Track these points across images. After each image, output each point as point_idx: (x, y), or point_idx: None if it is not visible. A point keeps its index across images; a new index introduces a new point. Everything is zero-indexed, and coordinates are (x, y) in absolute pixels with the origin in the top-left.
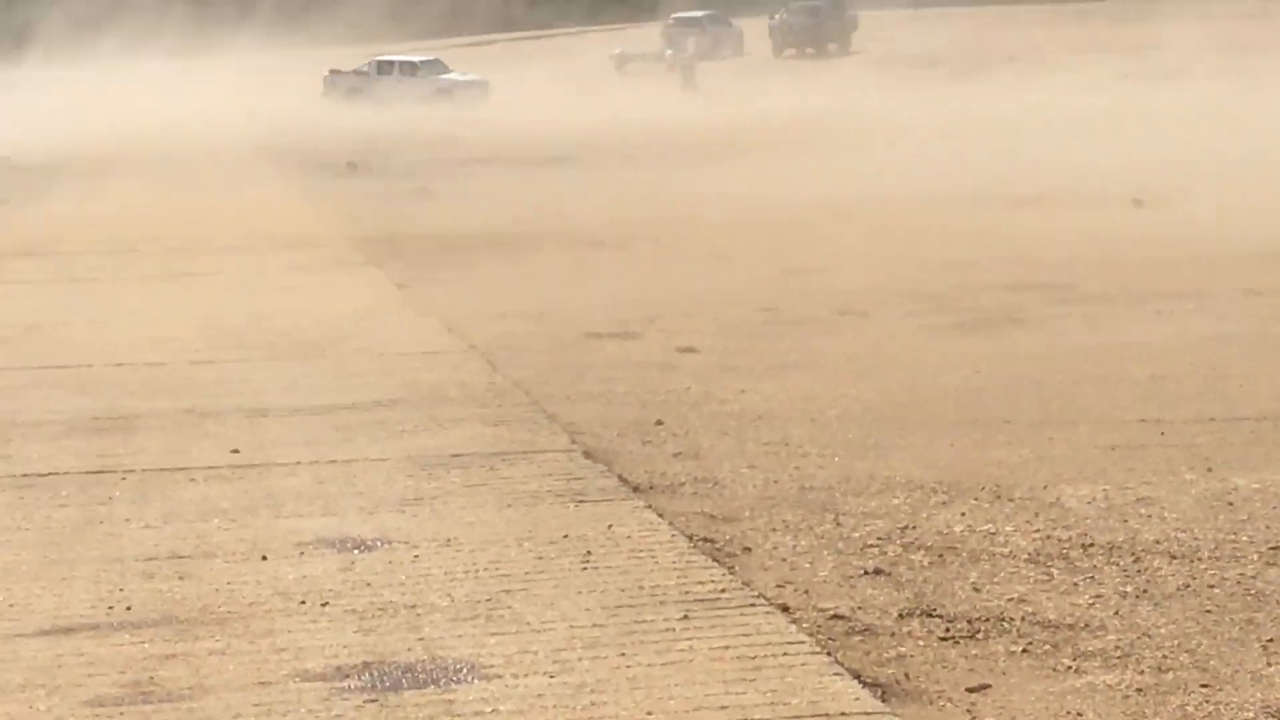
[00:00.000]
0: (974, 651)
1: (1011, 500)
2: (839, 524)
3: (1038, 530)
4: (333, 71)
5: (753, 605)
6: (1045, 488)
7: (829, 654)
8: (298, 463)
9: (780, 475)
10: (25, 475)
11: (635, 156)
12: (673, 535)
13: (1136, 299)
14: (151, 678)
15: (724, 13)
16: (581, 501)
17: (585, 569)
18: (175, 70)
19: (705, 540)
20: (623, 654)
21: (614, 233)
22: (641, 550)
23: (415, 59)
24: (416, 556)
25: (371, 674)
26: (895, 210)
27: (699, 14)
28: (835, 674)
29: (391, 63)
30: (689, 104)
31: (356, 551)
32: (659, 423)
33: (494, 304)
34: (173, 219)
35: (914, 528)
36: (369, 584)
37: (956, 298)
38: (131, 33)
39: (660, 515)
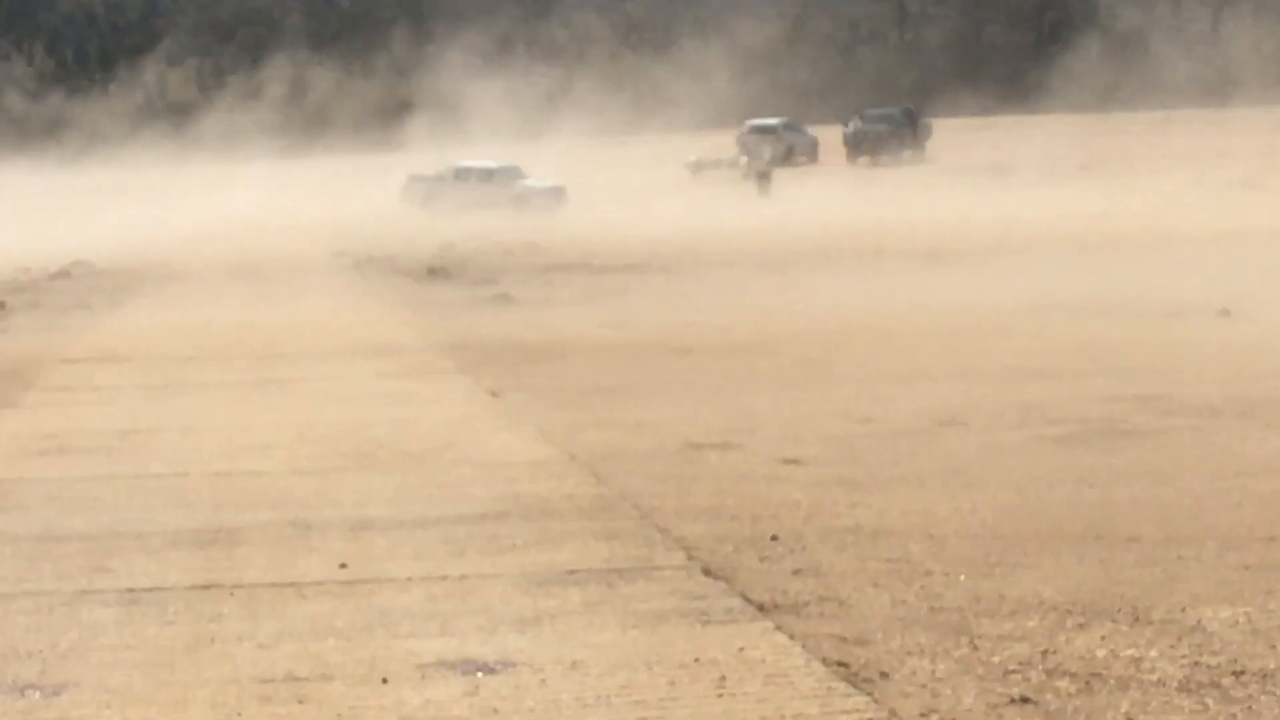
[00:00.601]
0: None
1: (1151, 623)
2: (975, 647)
3: (1184, 656)
4: (411, 176)
5: None
6: (1184, 610)
7: None
8: (409, 578)
9: (907, 595)
10: (130, 590)
11: (713, 264)
12: (807, 659)
13: (1242, 411)
14: None
15: (798, 120)
16: (707, 622)
17: (721, 695)
18: (259, 173)
19: (840, 664)
20: None
21: (701, 341)
22: (777, 675)
23: (492, 165)
24: (543, 680)
25: None
26: (985, 320)
27: (774, 121)
28: None
29: (469, 169)
30: (765, 211)
31: (480, 674)
32: (774, 538)
33: (589, 413)
34: (256, 326)
35: (1054, 652)
36: (496, 710)
37: (1059, 408)
38: (218, 133)
39: (791, 637)
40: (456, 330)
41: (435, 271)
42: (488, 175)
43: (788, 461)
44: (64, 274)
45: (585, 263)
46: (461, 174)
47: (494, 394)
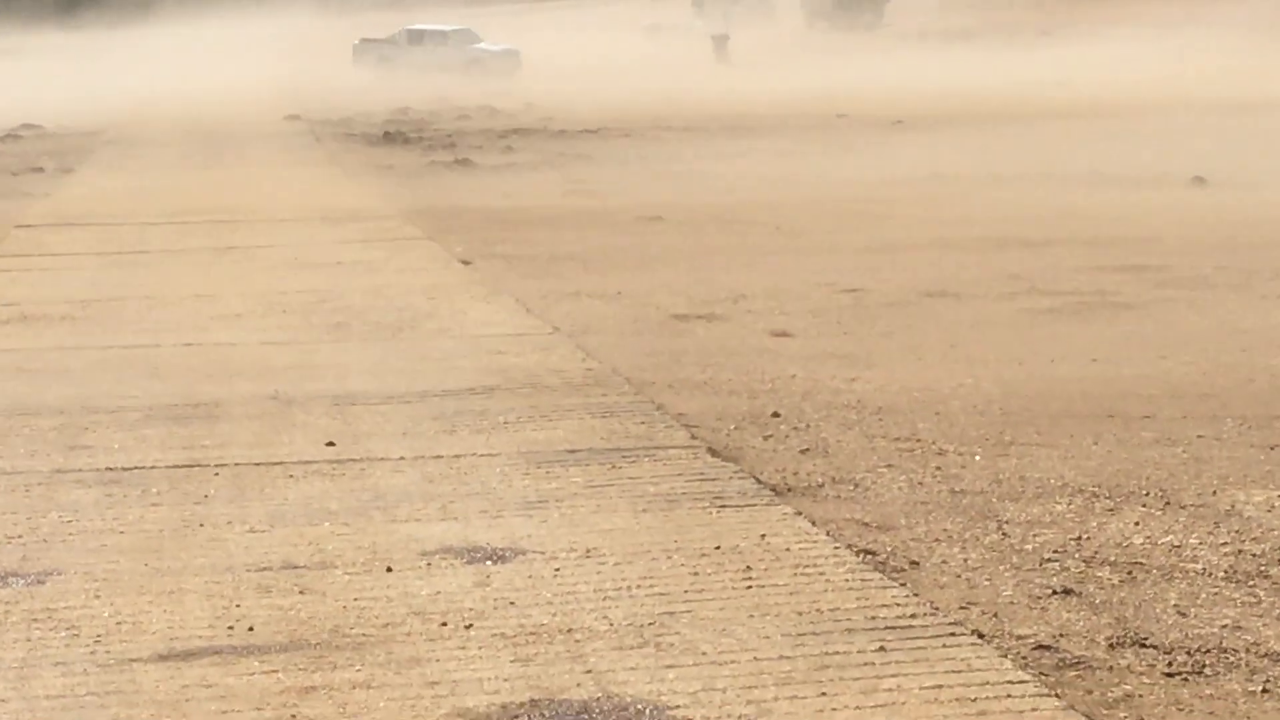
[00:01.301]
0: (1208, 691)
1: (1183, 507)
2: (1005, 534)
3: (1225, 544)
4: (363, 39)
5: (952, 634)
6: (1214, 493)
7: (1057, 695)
8: (401, 458)
9: (923, 476)
10: (110, 469)
11: (674, 130)
12: (834, 547)
13: (1236, 283)
14: (294, 716)
15: None
16: (723, 506)
17: (750, 588)
18: (202, 35)
19: (866, 552)
20: (823, 693)
21: (669, 209)
22: (806, 566)
23: (446, 28)
24: (558, 570)
25: (544, 715)
26: (955, 188)
27: None
28: None
29: (422, 31)
30: (723, 77)
31: (489, 563)
32: (775, 415)
33: (565, 283)
34: (213, 189)
35: (1088, 539)
36: (512, 603)
37: (1046, 279)
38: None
39: (813, 523)
40: (419, 196)
41: (391, 136)
42: (441, 38)
43: (777, 334)
44: (12, 136)
45: (543, 127)
46: (414, 37)
47: (465, 262)
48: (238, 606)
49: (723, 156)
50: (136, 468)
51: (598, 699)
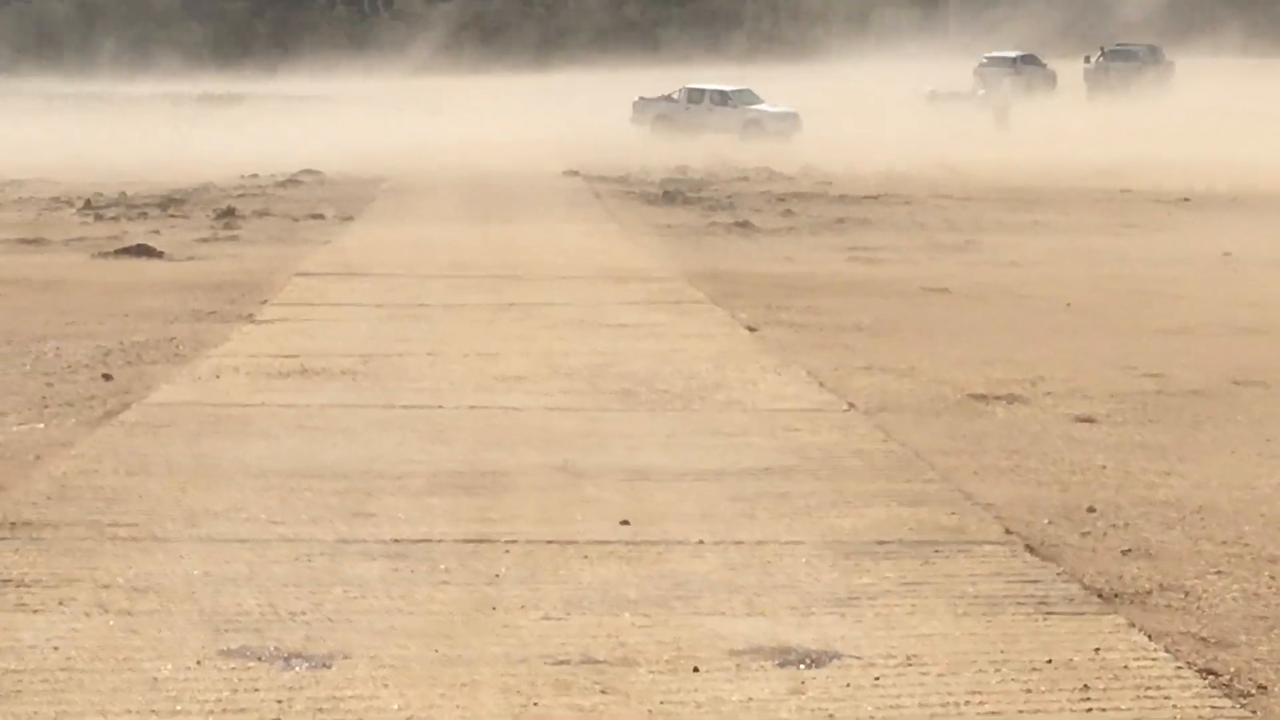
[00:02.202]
0: None
1: None
2: None
3: None
4: (642, 98)
5: None
6: None
7: None
8: (700, 541)
9: (1257, 586)
10: (396, 541)
11: (954, 198)
12: (1177, 667)
13: None
14: None
15: (1036, 54)
16: (1050, 613)
17: (1090, 710)
18: (491, 89)
19: (1208, 672)
20: None
21: (955, 281)
22: (1149, 687)
23: (726, 88)
24: (877, 680)
25: None
26: (1256, 272)
27: (1013, 54)
28: None
29: (702, 91)
30: (1003, 146)
31: (803, 667)
32: (1091, 510)
33: (854, 355)
34: (492, 244)
35: None
36: (831, 714)
37: None
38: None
39: (1149, 637)
40: (700, 258)
41: (670, 195)
42: (721, 98)
43: (1081, 420)
44: (293, 181)
45: (823, 192)
46: (694, 96)
47: (751, 329)
48: (535, 705)
49: (1005, 228)
50: (424, 540)
51: None
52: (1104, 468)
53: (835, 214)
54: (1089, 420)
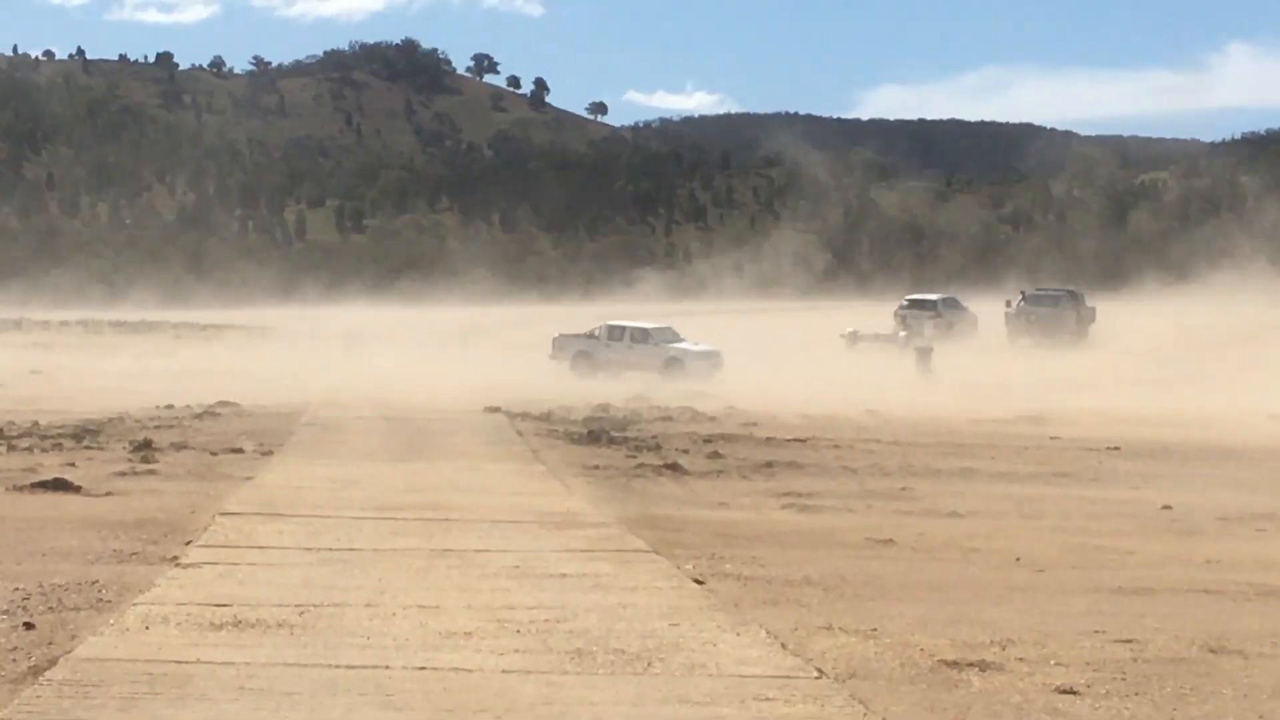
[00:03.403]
0: None
1: None
2: None
3: None
4: (561, 334)
5: None
6: None
7: None
8: None
9: None
10: None
11: (883, 442)
12: None
13: None
14: None
15: (957, 297)
16: None
17: None
18: (399, 318)
19: None
20: None
21: (898, 532)
22: None
23: (647, 325)
24: None
25: None
26: (1196, 529)
27: (934, 297)
28: None
29: (623, 328)
30: (927, 391)
31: None
32: None
33: (810, 613)
34: (418, 483)
35: None
36: None
37: None
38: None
39: None
40: (633, 502)
41: (595, 434)
42: (642, 335)
43: (1062, 691)
44: (210, 413)
45: (748, 433)
46: (614, 333)
47: (698, 581)
48: None
49: (936, 475)
50: None
51: None
52: None
53: (763, 457)
54: (1071, 692)
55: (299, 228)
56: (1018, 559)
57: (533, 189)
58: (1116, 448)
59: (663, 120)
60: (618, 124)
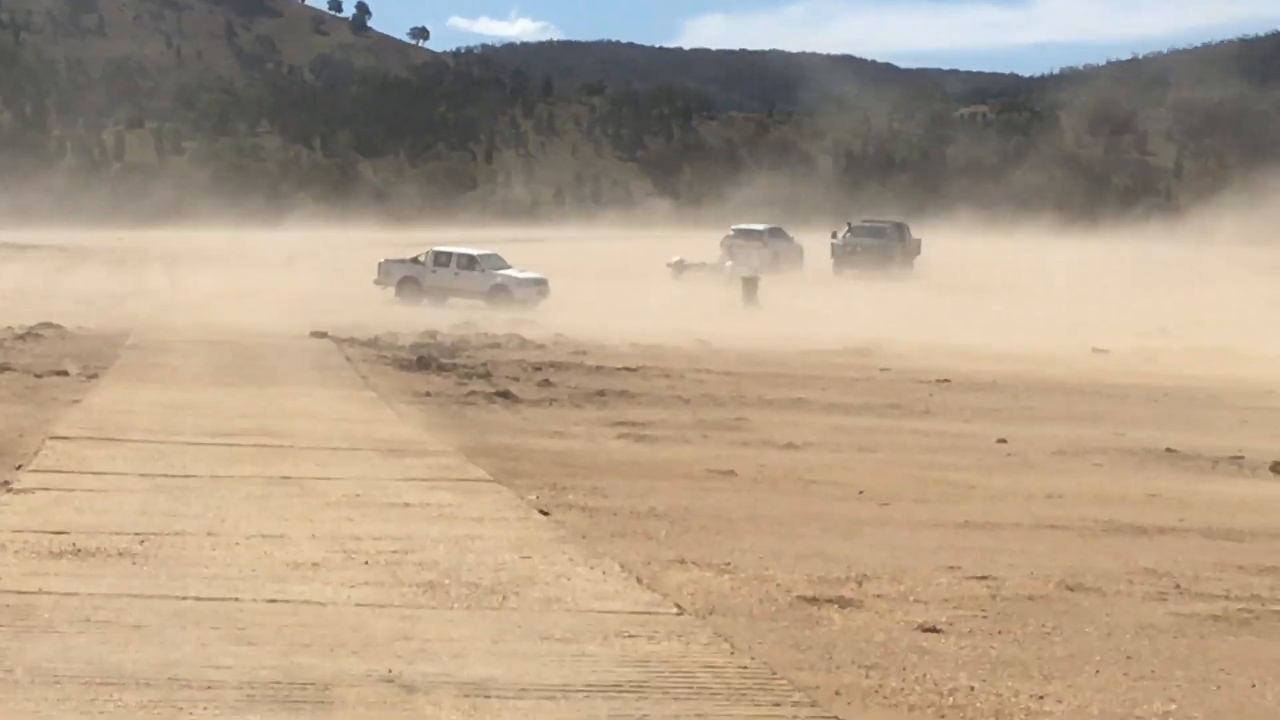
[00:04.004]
0: None
1: None
2: None
3: None
4: (387, 259)
5: None
6: None
7: None
8: None
9: None
10: None
11: (715, 374)
12: None
13: None
14: None
15: (783, 226)
16: None
17: None
18: (221, 240)
19: None
20: None
21: (738, 463)
22: None
23: (474, 251)
24: None
25: None
26: (1034, 461)
27: (761, 227)
28: None
29: (449, 254)
30: (752, 320)
31: None
32: None
33: (661, 546)
34: (250, 408)
35: None
36: None
37: (1189, 578)
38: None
39: None
40: (468, 430)
41: (424, 361)
42: (468, 262)
43: (926, 629)
44: (33, 335)
45: (578, 362)
46: (441, 259)
47: (543, 512)
48: None
49: (770, 405)
50: None
51: None
52: (973, 689)
53: (595, 385)
54: (934, 630)
55: (118, 149)
56: (860, 492)
57: (354, 114)
58: (946, 380)
59: (485, 47)
60: (440, 50)
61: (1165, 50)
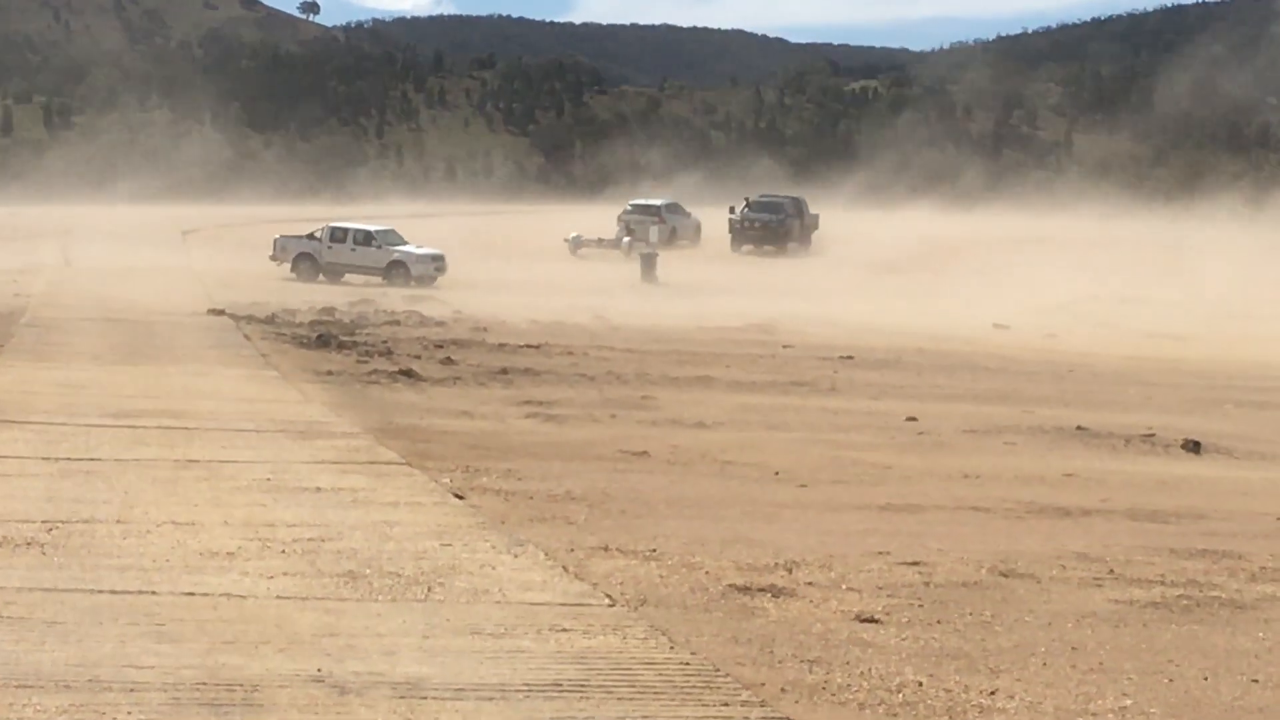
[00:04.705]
0: None
1: None
2: None
3: None
4: (283, 235)
5: None
6: None
7: None
8: None
9: None
10: None
11: (618, 351)
12: None
13: None
14: None
15: (680, 202)
16: None
17: None
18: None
19: None
20: None
21: (650, 444)
22: None
23: (370, 227)
24: None
25: None
26: (945, 440)
27: (658, 202)
28: None
29: (346, 229)
30: (651, 297)
31: None
32: None
33: (583, 532)
34: (151, 388)
35: None
36: None
37: (1121, 563)
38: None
39: None
40: (374, 411)
41: (324, 339)
42: (365, 237)
43: (863, 620)
44: None
45: (479, 339)
46: (337, 235)
47: (459, 496)
48: None
49: (675, 383)
50: None
51: None
52: (920, 684)
53: (498, 363)
54: (872, 620)
55: (5, 124)
56: (777, 473)
57: (244, 89)
58: (850, 356)
59: (376, 21)
60: (330, 24)
61: (1054, 25)
